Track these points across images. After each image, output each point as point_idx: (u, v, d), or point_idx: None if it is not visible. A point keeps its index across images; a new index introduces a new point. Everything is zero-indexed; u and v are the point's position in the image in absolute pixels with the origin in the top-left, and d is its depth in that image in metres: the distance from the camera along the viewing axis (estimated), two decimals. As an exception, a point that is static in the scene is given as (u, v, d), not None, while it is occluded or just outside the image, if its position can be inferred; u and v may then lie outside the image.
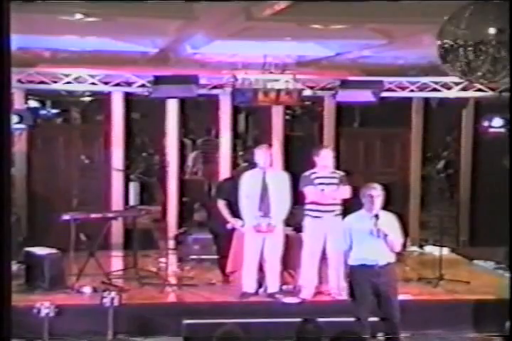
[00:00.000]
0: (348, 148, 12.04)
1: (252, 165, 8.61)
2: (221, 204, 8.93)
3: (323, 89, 10.97)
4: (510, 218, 8.67)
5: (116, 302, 7.34)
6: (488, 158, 11.91)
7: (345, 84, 10.49)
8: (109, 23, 7.29)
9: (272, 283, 8.43)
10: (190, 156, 11.80)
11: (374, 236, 6.90)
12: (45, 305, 7.10)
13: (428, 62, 9.04)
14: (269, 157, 8.39)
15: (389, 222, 7.03)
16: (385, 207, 7.17)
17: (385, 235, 6.90)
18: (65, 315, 7.53)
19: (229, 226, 8.78)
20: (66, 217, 9.00)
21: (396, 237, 7.02)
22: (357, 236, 6.99)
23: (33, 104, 11.36)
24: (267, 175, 8.36)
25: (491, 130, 11.40)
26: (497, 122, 11.24)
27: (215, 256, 9.49)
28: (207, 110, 11.71)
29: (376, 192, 6.93)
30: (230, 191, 8.86)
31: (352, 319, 7.08)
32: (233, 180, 9.12)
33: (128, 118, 11.56)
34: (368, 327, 7.02)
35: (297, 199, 8.45)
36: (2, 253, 3.54)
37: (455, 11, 4.91)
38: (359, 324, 6.99)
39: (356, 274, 7.04)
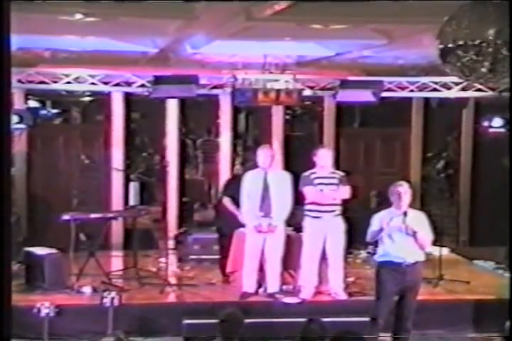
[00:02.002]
0: (348, 148, 12.05)
1: (254, 165, 8.59)
2: (226, 201, 8.97)
3: (323, 89, 10.97)
4: (510, 218, 8.68)
5: (116, 302, 7.33)
6: (488, 158, 11.91)
7: (345, 84, 10.48)
8: (109, 23, 7.29)
9: (272, 283, 8.43)
10: (199, 157, 11.83)
11: (403, 234, 6.91)
12: (45, 305, 7.10)
13: (428, 62, 9.04)
14: (270, 157, 8.39)
15: (418, 220, 7.05)
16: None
17: (414, 232, 6.91)
18: (65, 315, 7.53)
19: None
20: (66, 217, 8.99)
21: (426, 235, 7.02)
22: (385, 233, 6.98)
23: (33, 104, 11.35)
24: (268, 175, 8.35)
25: (491, 130, 11.40)
26: (497, 122, 11.25)
27: (215, 256, 9.49)
28: (207, 110, 11.72)
29: (404, 189, 6.96)
30: (235, 189, 8.84)
31: (350, 319, 7.08)
32: (239, 179, 9.12)
33: (128, 118, 11.57)
34: (381, 327, 7.01)
35: (298, 199, 8.44)
36: (2, 253, 3.55)
37: (455, 11, 4.91)
38: (373, 324, 6.98)
39: (382, 271, 7.05)
